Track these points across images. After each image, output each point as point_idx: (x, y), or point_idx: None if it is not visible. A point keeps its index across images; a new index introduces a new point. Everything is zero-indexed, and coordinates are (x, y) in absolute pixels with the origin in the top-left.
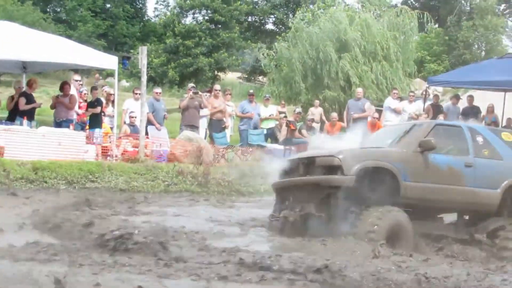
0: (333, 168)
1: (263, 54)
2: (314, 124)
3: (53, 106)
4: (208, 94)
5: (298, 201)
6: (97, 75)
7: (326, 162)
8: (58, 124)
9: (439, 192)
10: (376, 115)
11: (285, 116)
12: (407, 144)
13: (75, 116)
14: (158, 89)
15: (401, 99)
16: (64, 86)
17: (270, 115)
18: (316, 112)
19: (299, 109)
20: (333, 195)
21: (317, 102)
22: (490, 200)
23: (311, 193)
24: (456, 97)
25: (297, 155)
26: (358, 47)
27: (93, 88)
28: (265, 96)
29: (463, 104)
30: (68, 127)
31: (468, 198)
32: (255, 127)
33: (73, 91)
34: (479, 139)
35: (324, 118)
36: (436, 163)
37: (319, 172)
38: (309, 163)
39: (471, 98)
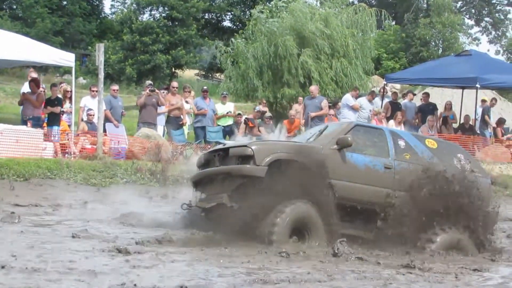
0: (245, 158)
1: (220, 51)
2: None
3: (20, 103)
4: (166, 91)
5: (212, 192)
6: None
7: (239, 152)
8: (25, 122)
9: (354, 190)
10: (332, 112)
11: (239, 114)
12: (325, 140)
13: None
14: (115, 86)
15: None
16: (30, 84)
17: (227, 113)
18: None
19: (258, 107)
20: (245, 185)
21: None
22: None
23: (224, 183)
24: (411, 93)
25: (213, 148)
26: (320, 42)
27: (53, 85)
28: (223, 94)
29: (420, 101)
30: (41, 125)
31: (386, 199)
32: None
33: (26, 87)
34: (401, 143)
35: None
36: (353, 162)
37: (233, 163)
38: (224, 155)
39: (426, 95)
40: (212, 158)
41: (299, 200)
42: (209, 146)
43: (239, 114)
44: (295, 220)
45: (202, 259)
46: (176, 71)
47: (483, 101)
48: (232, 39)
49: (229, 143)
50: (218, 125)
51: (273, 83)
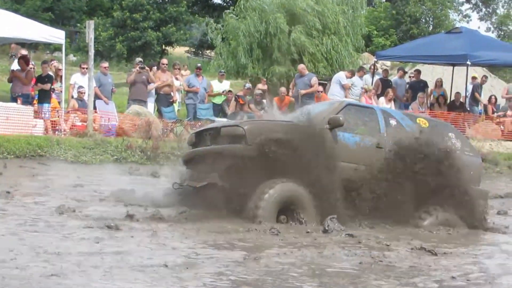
0: (237, 138)
1: (211, 28)
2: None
3: (10, 80)
4: (156, 68)
5: (204, 171)
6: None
7: (231, 132)
8: (14, 99)
9: (346, 170)
10: (320, 88)
11: (230, 91)
12: (317, 120)
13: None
14: (105, 63)
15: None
16: (20, 61)
17: (223, 91)
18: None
19: (248, 85)
20: (236, 165)
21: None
22: None
23: (215, 162)
24: (401, 70)
25: (204, 126)
26: (310, 18)
27: (43, 63)
28: (220, 72)
29: (409, 78)
30: (31, 102)
31: (377, 178)
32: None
33: (15, 65)
34: (393, 122)
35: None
36: (345, 142)
37: (224, 142)
38: (215, 134)
39: (417, 72)
40: (203, 136)
41: (289, 179)
42: (199, 123)
43: (229, 91)
44: (283, 198)
45: (192, 237)
46: (167, 48)
47: (474, 78)
48: (226, 10)
49: (220, 121)
50: (213, 102)
51: (262, 61)
